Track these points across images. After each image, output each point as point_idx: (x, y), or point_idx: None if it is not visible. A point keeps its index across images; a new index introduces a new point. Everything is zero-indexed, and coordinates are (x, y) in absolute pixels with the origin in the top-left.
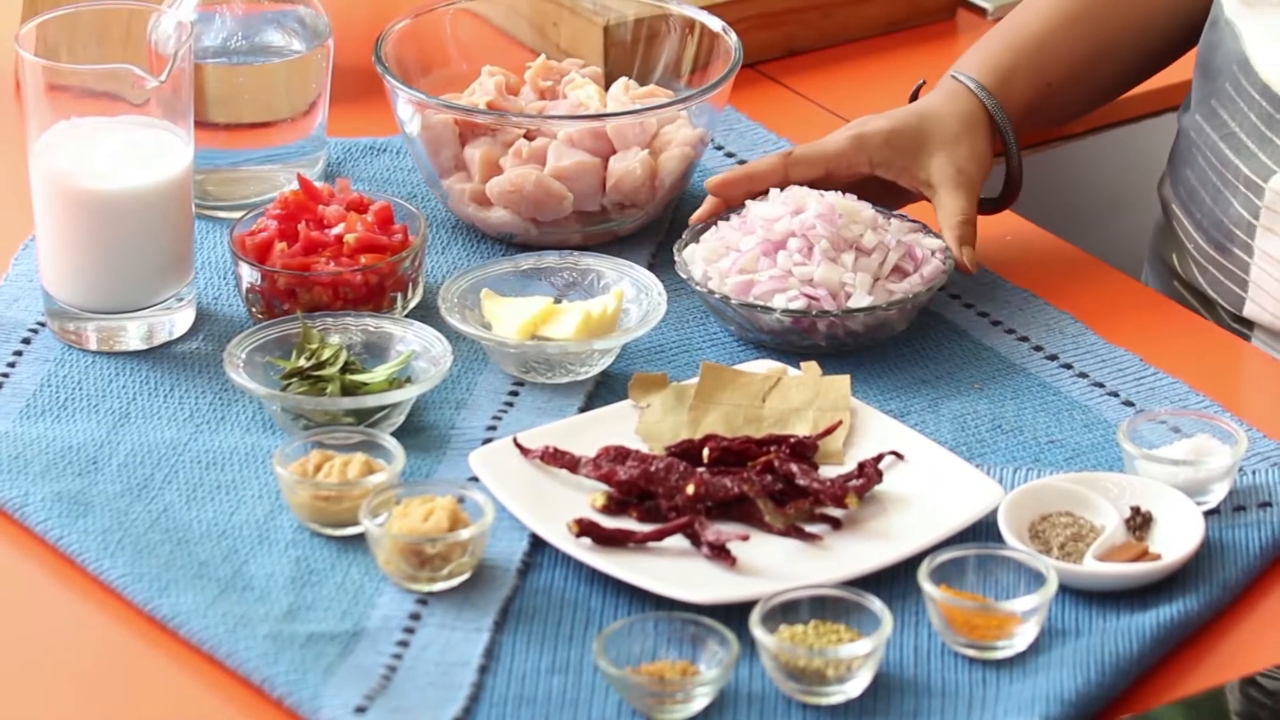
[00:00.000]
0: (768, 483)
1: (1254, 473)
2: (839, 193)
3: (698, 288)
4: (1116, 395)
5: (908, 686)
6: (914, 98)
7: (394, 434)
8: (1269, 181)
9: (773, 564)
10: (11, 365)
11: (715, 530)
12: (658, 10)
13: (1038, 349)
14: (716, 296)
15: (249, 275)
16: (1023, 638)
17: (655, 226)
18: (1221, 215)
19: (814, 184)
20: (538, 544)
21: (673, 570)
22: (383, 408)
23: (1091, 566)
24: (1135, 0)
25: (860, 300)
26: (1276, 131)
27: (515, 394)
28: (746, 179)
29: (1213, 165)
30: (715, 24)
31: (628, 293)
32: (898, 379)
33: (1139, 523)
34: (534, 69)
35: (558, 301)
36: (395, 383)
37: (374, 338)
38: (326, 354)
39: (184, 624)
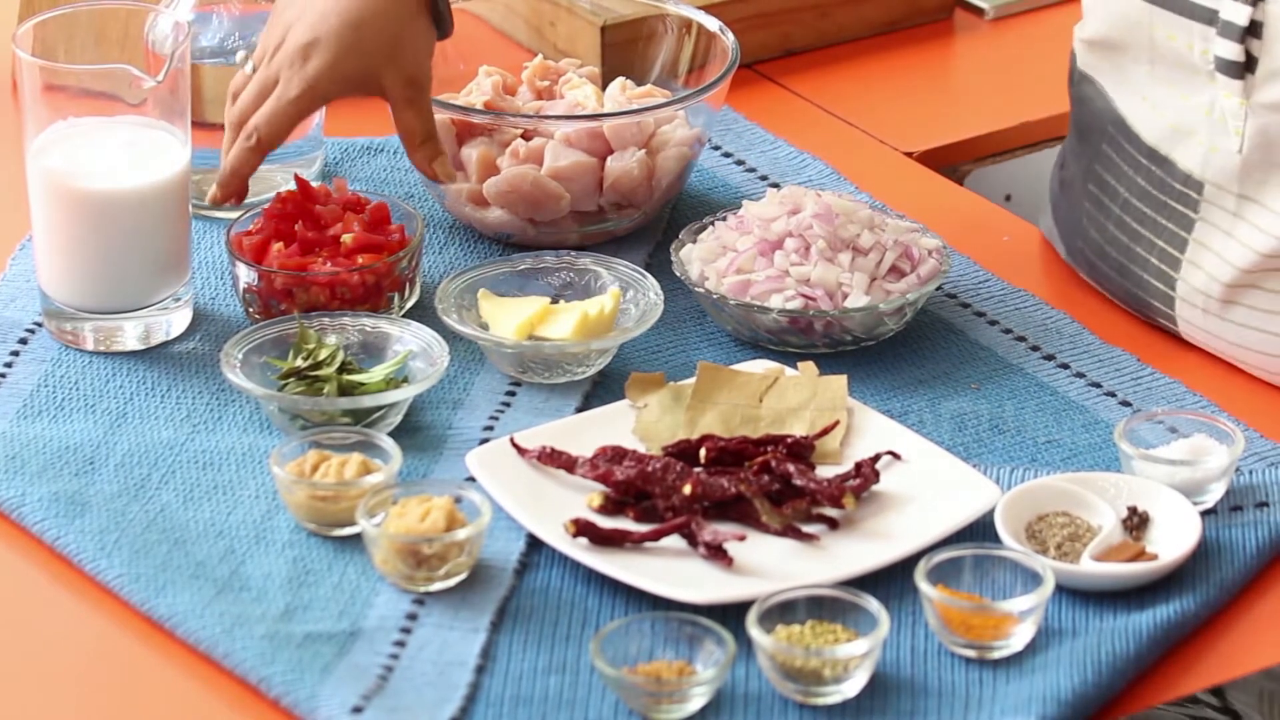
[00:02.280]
0: (765, 483)
1: (1251, 473)
2: (836, 192)
3: (695, 288)
4: (1114, 395)
5: (904, 687)
6: None
7: (391, 434)
8: (1184, 252)
9: (770, 564)
10: (8, 365)
11: (712, 530)
12: (655, 10)
13: (1035, 349)
14: (713, 296)
15: (246, 275)
16: (1019, 638)
17: (652, 226)
18: (1135, 288)
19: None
20: (535, 544)
21: (670, 570)
22: (380, 408)
23: (1088, 566)
24: None
25: (857, 300)
26: (1172, 196)
27: (512, 394)
28: (235, 175)
29: (1116, 241)
30: (712, 24)
31: (625, 293)
32: (895, 379)
33: (1136, 523)
34: (531, 69)
35: (555, 301)
36: (392, 383)
37: (371, 338)
38: (323, 354)
39: (181, 624)
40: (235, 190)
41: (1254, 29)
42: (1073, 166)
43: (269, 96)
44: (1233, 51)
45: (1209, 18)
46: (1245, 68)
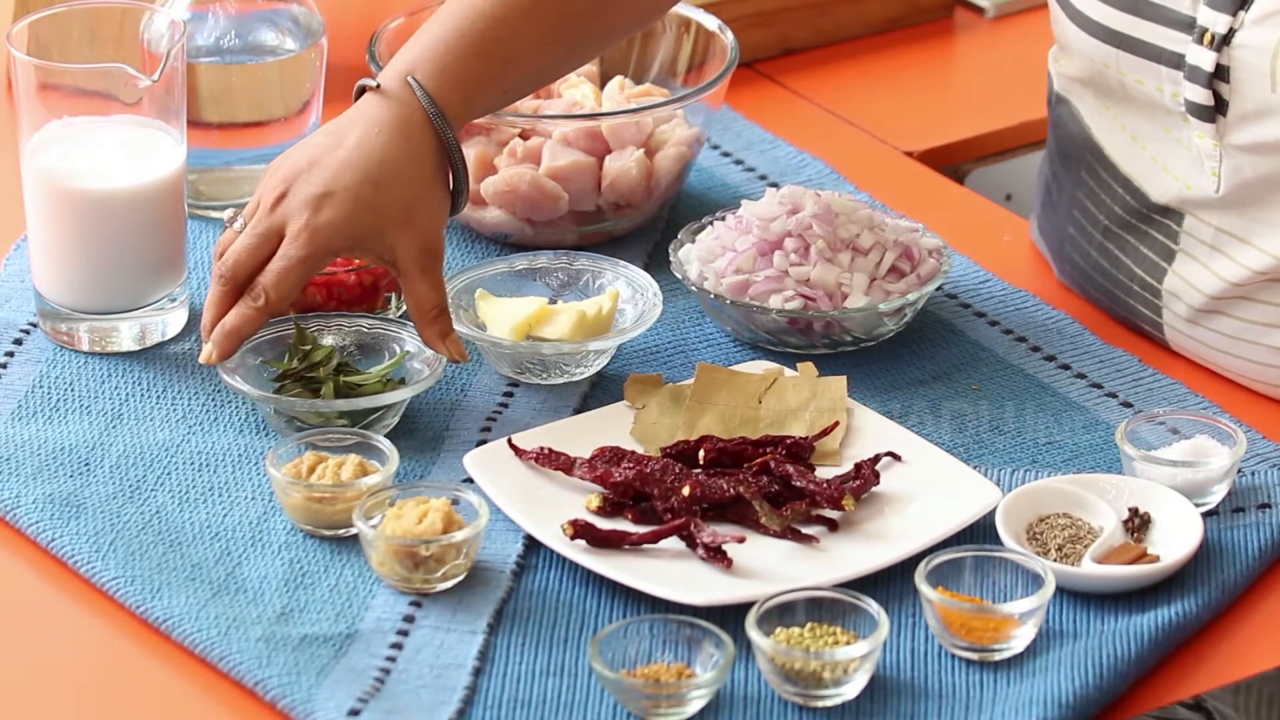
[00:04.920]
0: (764, 484)
1: (1253, 474)
2: (835, 192)
3: (693, 288)
4: (1115, 396)
5: (904, 689)
6: (359, 95)
7: (388, 435)
8: (1163, 282)
9: (769, 566)
10: (3, 366)
11: (711, 532)
12: None
13: (1035, 349)
14: (712, 297)
15: None
16: (1020, 640)
17: (651, 226)
18: (1124, 310)
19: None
20: (532, 546)
21: (668, 572)
22: (377, 409)
23: (1089, 568)
24: None
25: (857, 300)
26: (1152, 225)
27: (510, 395)
28: (233, 336)
29: (1099, 266)
30: (711, 22)
31: (623, 293)
32: (895, 379)
33: (1137, 524)
34: None
35: (553, 302)
36: (389, 384)
37: (368, 339)
38: (320, 355)
39: (177, 626)
40: (232, 351)
41: (1221, 73)
42: (1055, 191)
43: (271, 251)
44: (1201, 96)
45: (1175, 62)
46: (1216, 110)
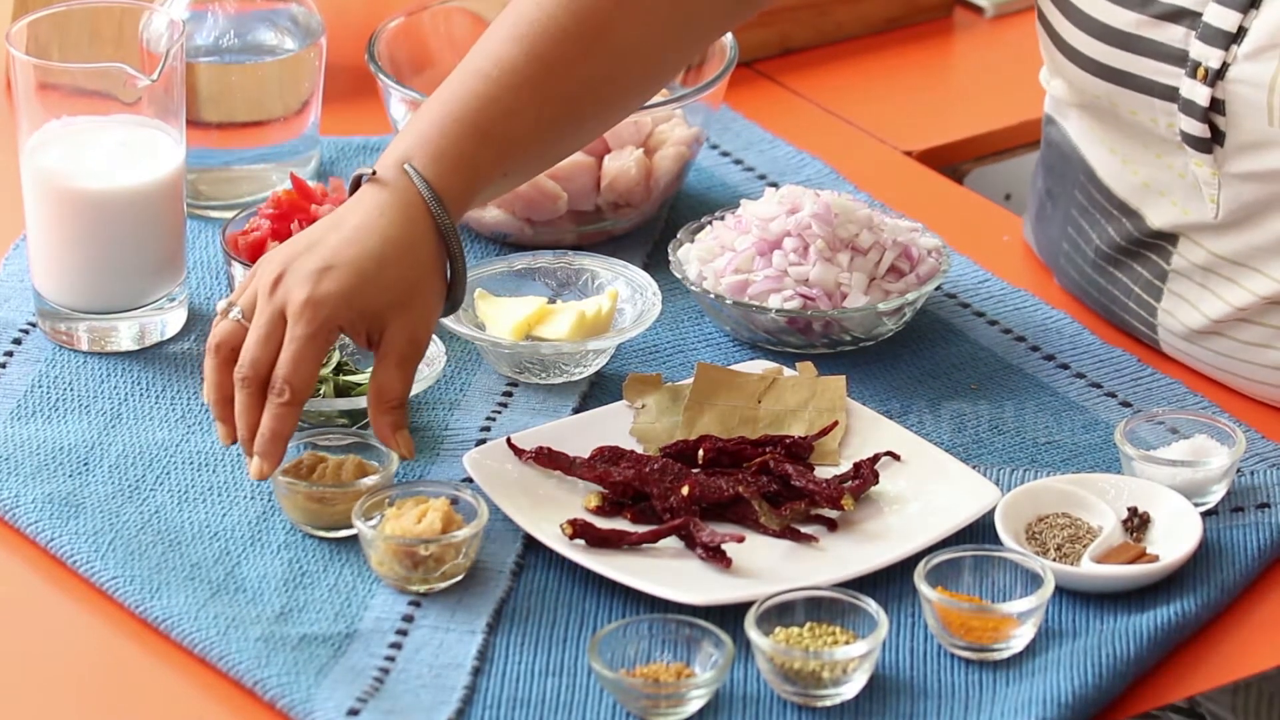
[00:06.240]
0: (763, 484)
1: (1252, 473)
2: (835, 192)
3: (693, 287)
4: (1114, 396)
5: (904, 689)
6: (356, 186)
7: None
8: (1160, 301)
9: (768, 565)
10: (2, 365)
11: (710, 531)
12: None
13: (1035, 349)
14: (712, 296)
15: (242, 275)
16: (1019, 639)
17: (650, 226)
18: (1120, 324)
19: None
20: (531, 545)
21: (667, 572)
22: None
23: (1088, 568)
24: (603, 73)
25: (856, 300)
26: (1145, 247)
27: (509, 395)
28: (277, 439)
29: (1095, 282)
30: None
31: (622, 292)
32: (894, 379)
33: (1136, 524)
34: None
35: (552, 301)
36: None
37: None
38: None
39: (176, 626)
40: (279, 456)
41: (1216, 106)
42: (1050, 207)
43: (281, 336)
44: (1197, 129)
45: (1169, 94)
46: (1213, 140)
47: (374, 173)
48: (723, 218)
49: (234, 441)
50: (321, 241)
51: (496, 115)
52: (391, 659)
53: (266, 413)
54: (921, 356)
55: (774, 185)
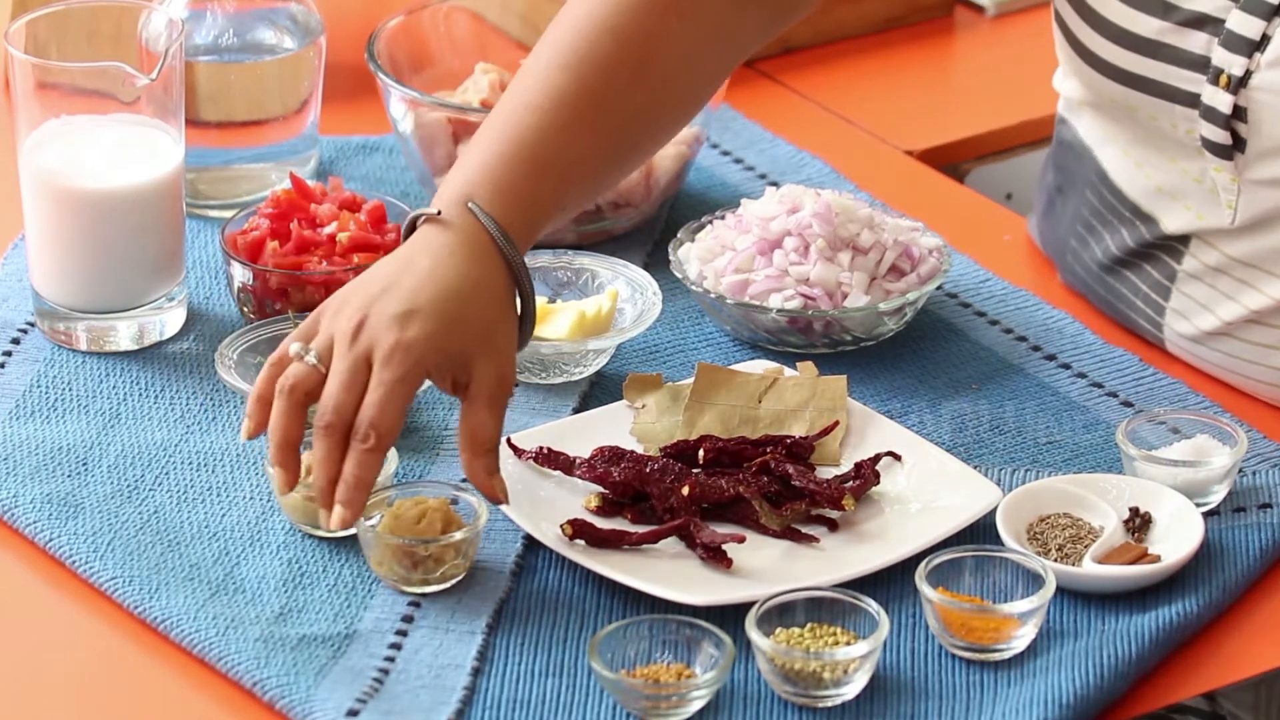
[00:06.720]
0: (763, 484)
1: (1254, 474)
2: (835, 191)
3: (693, 287)
4: (1115, 395)
5: (904, 689)
6: (412, 227)
7: None
8: (1169, 301)
9: (768, 566)
10: (1, 365)
11: (710, 532)
12: None
13: (1036, 349)
14: (712, 296)
15: (241, 274)
16: (1021, 640)
17: (650, 225)
18: (1125, 323)
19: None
20: (531, 545)
21: (668, 572)
22: None
23: (1090, 568)
24: (651, 98)
25: (857, 300)
26: (1156, 248)
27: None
28: (360, 486)
29: (1102, 281)
30: None
31: (622, 292)
32: (895, 379)
33: (1138, 524)
34: None
35: (552, 301)
36: None
37: None
38: None
39: (175, 626)
40: (362, 504)
41: (1239, 113)
42: (1059, 204)
43: (365, 382)
44: (1219, 135)
45: (1190, 101)
46: (1234, 147)
47: (438, 212)
48: (723, 217)
49: (293, 489)
50: (397, 285)
51: (552, 149)
52: (391, 659)
53: (350, 459)
54: (922, 356)
55: (774, 185)
